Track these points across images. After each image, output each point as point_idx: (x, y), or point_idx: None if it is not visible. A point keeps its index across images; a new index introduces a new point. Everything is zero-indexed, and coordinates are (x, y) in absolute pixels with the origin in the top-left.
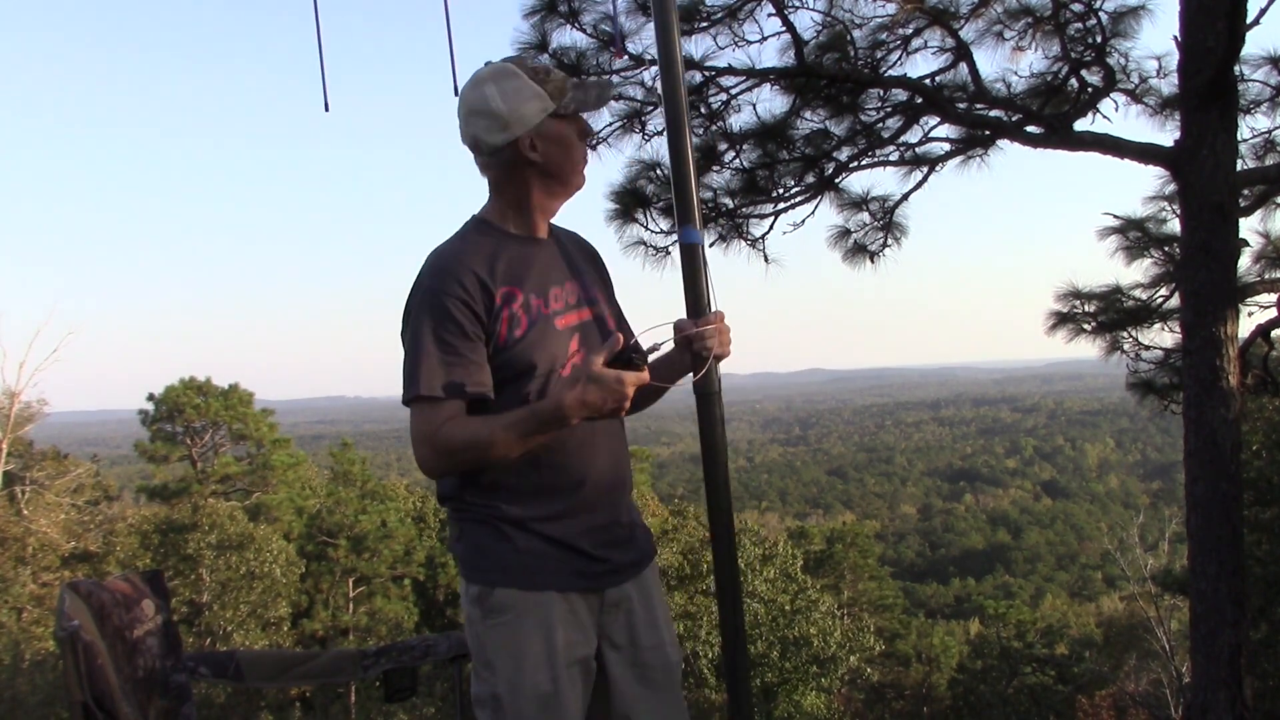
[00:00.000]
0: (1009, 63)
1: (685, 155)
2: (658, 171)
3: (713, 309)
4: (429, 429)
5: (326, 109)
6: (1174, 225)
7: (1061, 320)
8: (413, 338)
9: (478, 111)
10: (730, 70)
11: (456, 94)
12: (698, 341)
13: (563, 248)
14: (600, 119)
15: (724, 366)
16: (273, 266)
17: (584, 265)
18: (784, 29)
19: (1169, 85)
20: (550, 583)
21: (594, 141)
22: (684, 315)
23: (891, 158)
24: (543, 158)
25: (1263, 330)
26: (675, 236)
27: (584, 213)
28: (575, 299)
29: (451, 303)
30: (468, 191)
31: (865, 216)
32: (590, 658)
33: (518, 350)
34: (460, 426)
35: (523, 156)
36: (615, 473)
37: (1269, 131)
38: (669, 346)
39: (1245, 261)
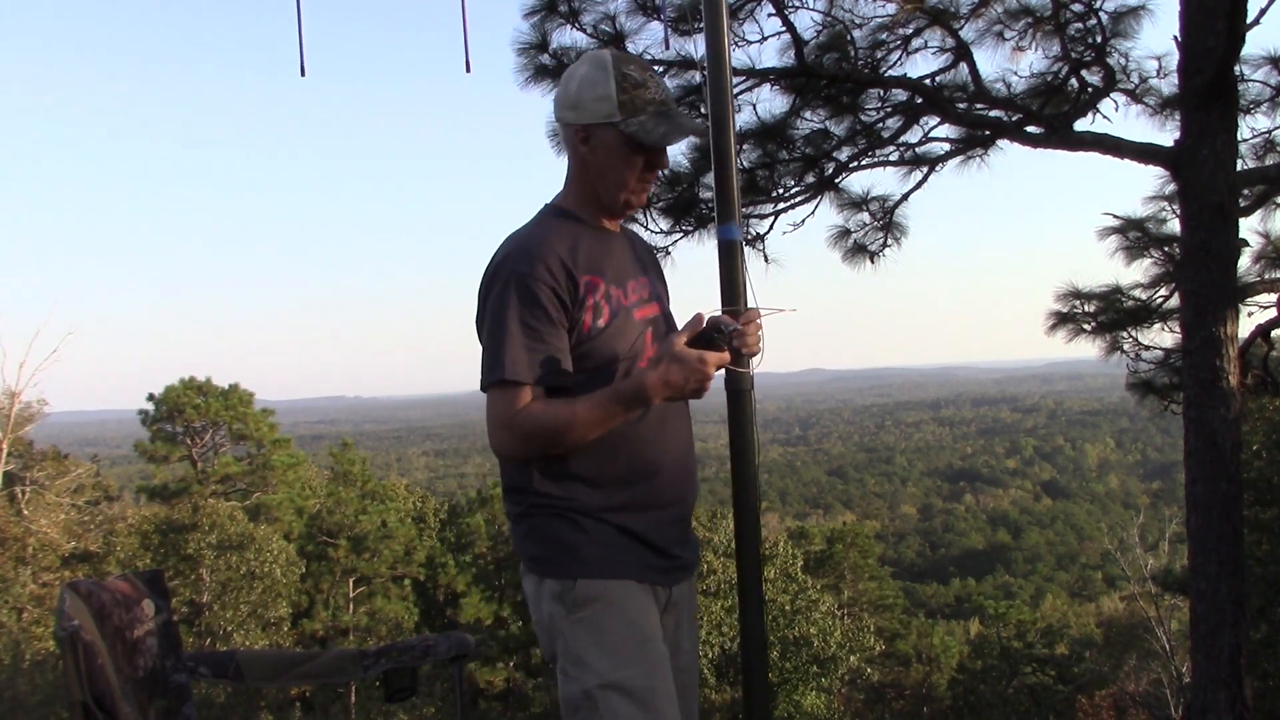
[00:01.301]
0: (1009, 63)
1: (728, 152)
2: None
3: (749, 305)
4: (509, 413)
5: (303, 73)
6: (1174, 225)
7: (1061, 320)
8: (495, 320)
9: (562, 81)
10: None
11: (468, 70)
12: (738, 338)
13: (631, 242)
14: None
15: None
16: (273, 266)
17: (648, 262)
18: (784, 29)
19: (1169, 85)
20: (629, 572)
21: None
22: (704, 311)
23: (891, 158)
24: (591, 156)
25: (1263, 330)
26: (674, 236)
27: None
28: (646, 293)
29: (538, 287)
30: (474, 192)
31: (865, 216)
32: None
33: (601, 340)
34: (540, 409)
35: (573, 144)
36: (685, 464)
37: (1269, 131)
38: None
39: (1245, 261)
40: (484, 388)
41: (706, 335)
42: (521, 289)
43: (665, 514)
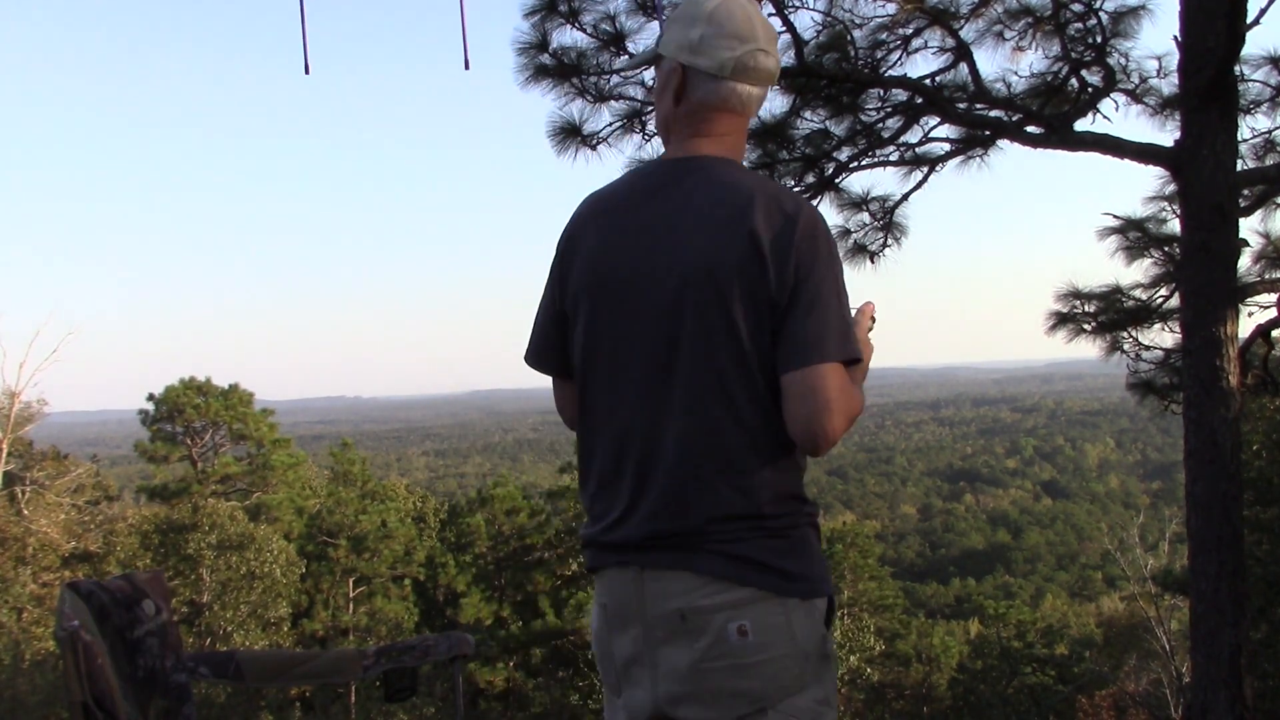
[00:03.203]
0: (1009, 63)
1: None
2: None
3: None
4: (849, 393)
5: (306, 71)
6: (1174, 225)
7: (1062, 320)
8: (838, 284)
9: (776, 39)
10: None
11: (467, 68)
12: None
13: None
14: (600, 119)
15: None
16: (273, 266)
17: None
18: (784, 29)
19: (1169, 85)
20: None
21: (594, 141)
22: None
23: (891, 158)
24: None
25: (1263, 330)
26: None
27: None
28: None
29: None
30: (476, 191)
31: (865, 216)
32: None
33: None
34: (854, 391)
35: (762, 97)
36: None
37: (1269, 131)
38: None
39: (1245, 261)
40: (826, 358)
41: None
42: (839, 254)
43: None
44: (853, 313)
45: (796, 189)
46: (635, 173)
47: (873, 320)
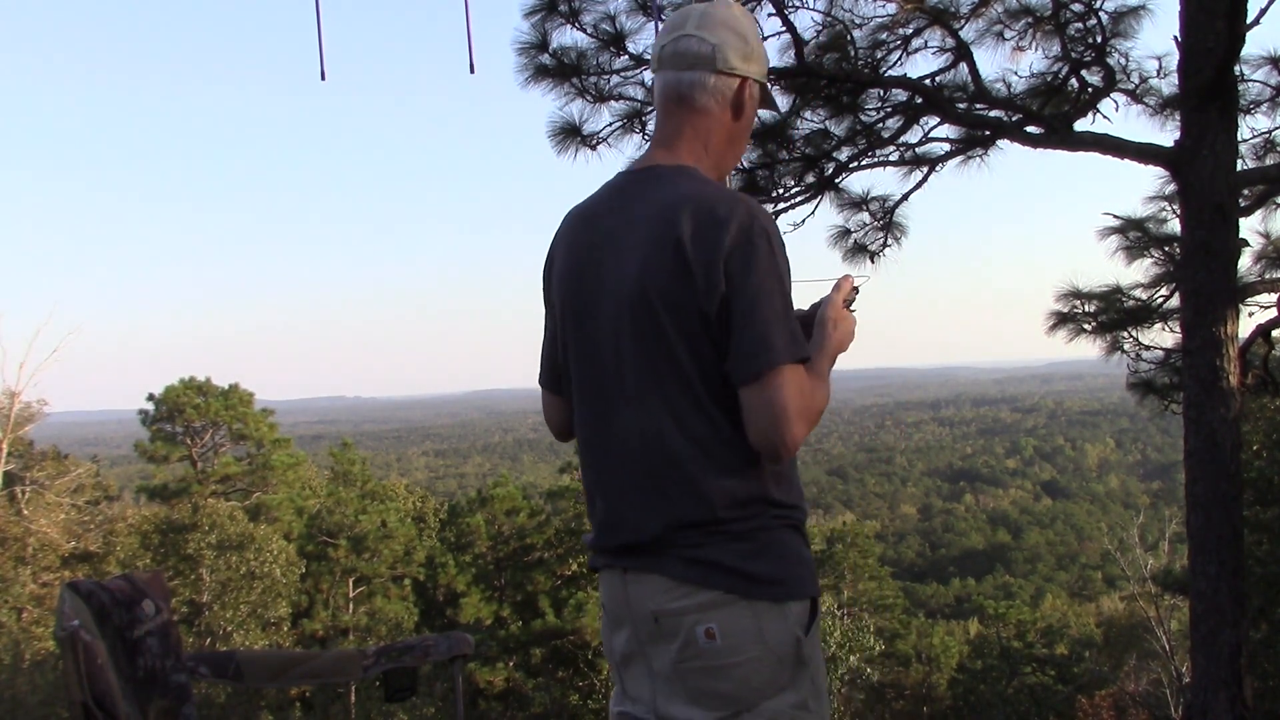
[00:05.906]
0: (1009, 63)
1: None
2: None
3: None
4: (806, 396)
5: (323, 78)
6: (1174, 225)
7: (1062, 320)
8: (778, 284)
9: (729, 26)
10: None
11: (472, 71)
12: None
13: None
14: (600, 119)
15: None
16: (273, 266)
17: None
18: (784, 29)
19: (1169, 85)
20: None
21: (594, 141)
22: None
23: (891, 158)
24: (745, 117)
25: (1263, 330)
26: None
27: None
28: None
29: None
30: (477, 192)
31: (865, 216)
32: None
33: None
34: (814, 386)
35: (741, 102)
36: None
37: (1269, 131)
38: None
39: (1245, 261)
40: (774, 365)
41: (849, 299)
42: (783, 251)
43: None
44: (829, 291)
45: (796, 189)
46: (605, 185)
47: (855, 291)
